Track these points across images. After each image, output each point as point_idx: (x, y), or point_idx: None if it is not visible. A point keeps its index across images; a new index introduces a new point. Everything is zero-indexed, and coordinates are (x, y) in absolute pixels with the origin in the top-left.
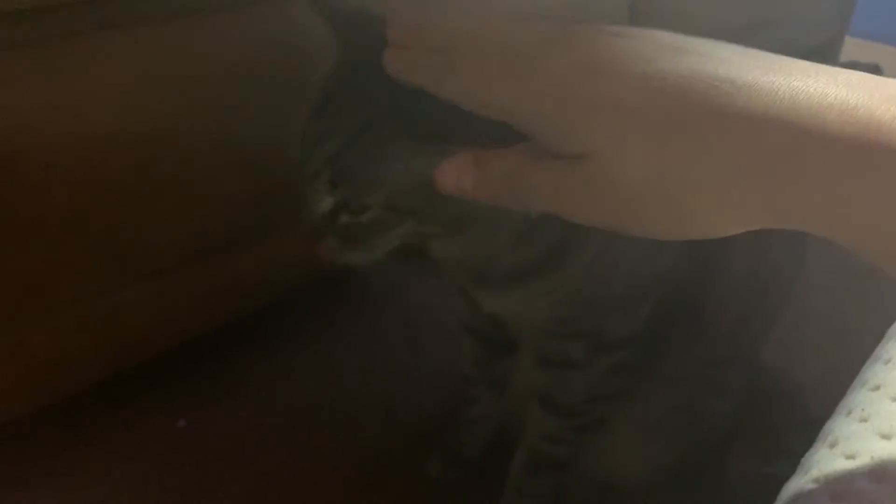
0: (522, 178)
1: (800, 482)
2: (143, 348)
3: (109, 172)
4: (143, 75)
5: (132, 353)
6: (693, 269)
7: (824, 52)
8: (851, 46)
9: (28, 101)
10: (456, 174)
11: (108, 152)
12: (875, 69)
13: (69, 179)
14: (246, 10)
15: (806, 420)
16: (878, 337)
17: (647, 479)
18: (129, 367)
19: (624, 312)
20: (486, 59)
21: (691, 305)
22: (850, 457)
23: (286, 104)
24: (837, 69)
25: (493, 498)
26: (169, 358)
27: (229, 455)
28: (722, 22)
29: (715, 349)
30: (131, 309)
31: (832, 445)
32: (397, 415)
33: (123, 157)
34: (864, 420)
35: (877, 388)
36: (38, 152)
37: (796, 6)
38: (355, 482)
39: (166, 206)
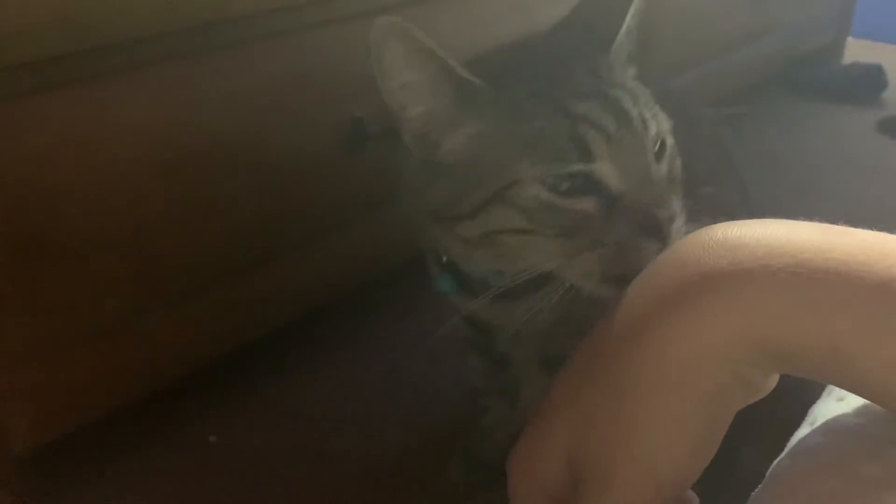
0: None
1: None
2: (176, 367)
3: (146, 200)
4: (175, 109)
5: (165, 372)
6: None
7: (825, 56)
8: (854, 47)
9: (72, 136)
10: None
11: (144, 182)
12: (878, 69)
13: (110, 208)
14: (265, 44)
15: None
16: None
17: None
18: (163, 386)
19: None
20: None
21: None
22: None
23: (304, 131)
24: None
25: None
26: (199, 376)
27: (259, 466)
28: (722, 29)
29: None
30: (165, 330)
31: (812, 424)
32: (419, 422)
33: (159, 186)
34: (841, 399)
35: None
36: (80, 184)
37: (793, 12)
38: (382, 487)
39: (197, 230)
